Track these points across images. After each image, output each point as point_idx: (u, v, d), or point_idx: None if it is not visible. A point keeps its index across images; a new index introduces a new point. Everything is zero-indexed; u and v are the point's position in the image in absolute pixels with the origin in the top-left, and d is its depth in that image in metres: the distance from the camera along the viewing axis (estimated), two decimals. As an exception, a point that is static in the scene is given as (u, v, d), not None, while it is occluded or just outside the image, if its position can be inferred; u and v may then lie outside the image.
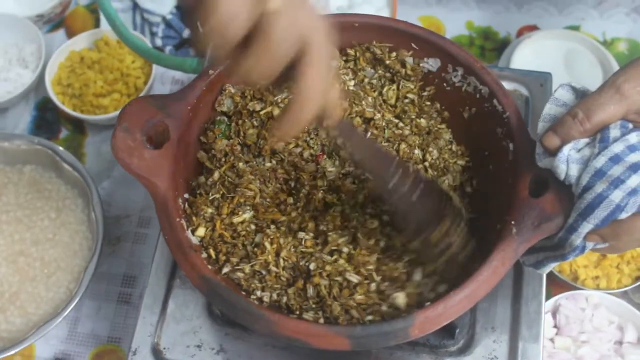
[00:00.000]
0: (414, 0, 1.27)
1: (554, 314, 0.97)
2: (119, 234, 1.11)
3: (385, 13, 1.18)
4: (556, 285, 1.01)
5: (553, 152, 0.69)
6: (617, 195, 0.64)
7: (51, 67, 1.18)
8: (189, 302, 0.84)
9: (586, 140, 0.68)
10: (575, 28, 1.24)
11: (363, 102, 0.80)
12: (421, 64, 0.83)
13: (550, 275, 0.99)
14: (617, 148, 0.66)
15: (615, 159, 0.66)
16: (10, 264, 1.02)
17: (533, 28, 1.24)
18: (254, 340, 0.82)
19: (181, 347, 0.82)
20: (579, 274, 0.98)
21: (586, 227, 0.66)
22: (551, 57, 1.17)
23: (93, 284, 1.06)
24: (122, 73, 1.17)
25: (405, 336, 0.66)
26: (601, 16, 1.25)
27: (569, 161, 0.67)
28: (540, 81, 0.95)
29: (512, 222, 0.69)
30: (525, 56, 1.16)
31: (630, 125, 0.68)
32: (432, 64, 0.82)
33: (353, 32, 0.82)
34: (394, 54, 0.83)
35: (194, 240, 0.73)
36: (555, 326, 0.97)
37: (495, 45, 1.23)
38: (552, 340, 0.96)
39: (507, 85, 0.95)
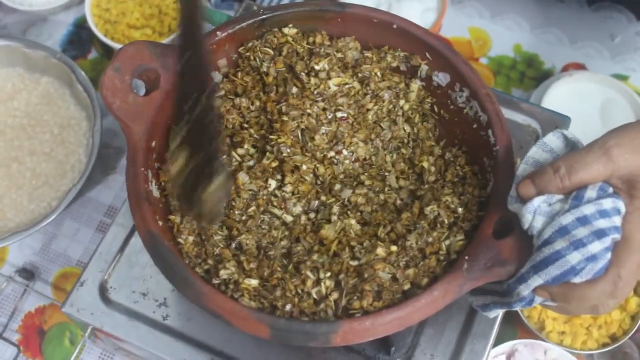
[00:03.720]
0: (468, 10, 1.24)
1: (509, 357, 0.95)
2: (116, 165, 1.12)
3: (432, 14, 1.16)
4: (522, 329, 0.99)
5: (526, 200, 0.67)
6: (574, 257, 0.62)
7: (96, -13, 1.19)
8: (147, 249, 0.85)
9: (561, 196, 0.66)
10: (624, 78, 1.19)
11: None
12: (432, 75, 0.81)
13: (519, 317, 0.97)
14: (587, 210, 0.63)
15: (583, 220, 0.63)
16: (3, 167, 1.04)
17: (580, 67, 1.20)
18: (197, 303, 0.82)
19: (127, 291, 0.83)
20: (546, 325, 0.96)
21: (536, 280, 0.64)
22: (587, 101, 1.13)
23: (78, 207, 1.08)
24: (161, 11, 1.17)
25: (326, 341, 0.65)
26: (654, 72, 1.20)
27: (536, 212, 0.65)
28: (557, 123, 0.92)
29: (466, 257, 0.67)
30: (561, 94, 1.12)
31: (610, 190, 0.65)
32: (442, 78, 0.80)
33: (371, 28, 0.80)
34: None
35: (155, 193, 0.73)
36: (506, 369, 0.95)
37: (536, 75, 1.19)
38: (499, 382, 0.94)
39: (522, 118, 0.93)
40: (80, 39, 1.22)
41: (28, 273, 1.04)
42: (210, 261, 0.70)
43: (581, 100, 1.13)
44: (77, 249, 1.07)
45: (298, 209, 0.74)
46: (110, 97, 0.71)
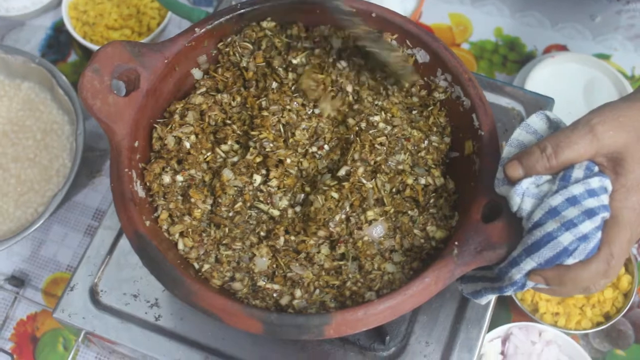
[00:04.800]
0: (448, -4, 1.24)
1: (504, 340, 0.95)
2: (102, 168, 1.11)
3: (412, 2, 1.15)
4: (517, 312, 0.99)
5: (513, 182, 0.66)
6: (566, 238, 0.62)
7: (72, -9, 1.18)
8: (135, 251, 0.84)
9: (548, 176, 0.66)
10: (606, 57, 1.19)
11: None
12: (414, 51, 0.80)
13: (512, 300, 0.97)
14: (576, 190, 0.63)
15: (572, 201, 0.63)
16: (-13, 175, 1.03)
17: (562, 48, 1.20)
18: (189, 303, 0.82)
19: (118, 293, 0.83)
20: (540, 307, 0.96)
21: (529, 264, 0.64)
22: (570, 81, 1.13)
23: (65, 211, 1.08)
24: (139, 10, 1.16)
25: (320, 333, 0.65)
26: (635, 50, 1.20)
27: (524, 195, 0.65)
28: (540, 105, 0.92)
29: (456, 243, 0.67)
30: (544, 75, 1.12)
31: (596, 169, 0.65)
32: (422, 55, 0.79)
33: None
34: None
35: (140, 193, 0.72)
36: (502, 353, 0.95)
37: (518, 58, 1.19)
38: (495, 366, 0.94)
39: (506, 101, 0.92)
40: (59, 43, 1.21)
41: (18, 280, 1.04)
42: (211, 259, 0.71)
43: (564, 81, 1.13)
44: (67, 253, 1.06)
45: (284, 203, 0.74)
46: (91, 99, 0.70)
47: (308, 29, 0.80)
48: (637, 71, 1.18)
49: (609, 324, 0.96)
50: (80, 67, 1.19)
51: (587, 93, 1.13)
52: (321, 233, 0.72)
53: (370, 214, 0.72)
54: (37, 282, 1.05)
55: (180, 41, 0.76)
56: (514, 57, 1.19)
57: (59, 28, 1.22)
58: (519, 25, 1.22)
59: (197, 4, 1.24)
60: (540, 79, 1.12)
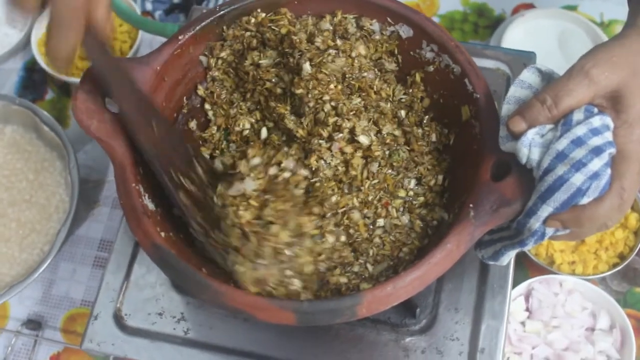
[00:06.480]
0: (409, -27, 1.25)
1: (527, 297, 0.96)
2: (99, 198, 1.11)
3: (377, -15, 1.16)
4: (533, 268, 1.00)
5: (518, 136, 0.67)
6: (578, 179, 0.63)
7: (38, 28, 1.17)
8: (153, 269, 0.84)
9: (551, 125, 0.67)
10: (573, 8, 1.21)
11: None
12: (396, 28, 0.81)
13: (527, 257, 0.98)
14: (579, 131, 0.64)
15: (578, 142, 0.64)
16: (-14, 224, 1.02)
17: (529, 6, 1.21)
18: (215, 311, 0.81)
19: (142, 314, 0.82)
20: (555, 258, 0.97)
21: (546, 210, 0.65)
22: (544, 37, 1.15)
23: (69, 247, 1.07)
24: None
25: (353, 314, 0.65)
26: (601, -4, 1.22)
27: (531, 145, 0.66)
28: (523, 60, 0.93)
29: (471, 205, 0.68)
30: (517, 35, 1.14)
31: (595, 110, 0.66)
32: (405, 30, 0.80)
33: (328, 3, 0.80)
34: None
35: (150, 206, 0.72)
36: (527, 309, 0.96)
37: (489, 23, 1.20)
38: (523, 323, 0.95)
39: (490, 63, 0.93)
40: (33, 83, 1.20)
41: (35, 323, 1.03)
42: None
43: (538, 38, 1.15)
44: (79, 289, 1.05)
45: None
46: (87, 120, 0.70)
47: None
48: (605, 17, 1.20)
49: (624, 264, 0.97)
50: (59, 103, 1.18)
51: (562, 45, 1.14)
52: (316, 210, 0.73)
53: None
54: (54, 322, 1.04)
55: (166, 51, 0.76)
56: (485, 22, 1.21)
57: (31, 67, 1.21)
58: (484, -10, 1.23)
59: (162, 21, 1.23)
60: (513, 39, 1.14)
